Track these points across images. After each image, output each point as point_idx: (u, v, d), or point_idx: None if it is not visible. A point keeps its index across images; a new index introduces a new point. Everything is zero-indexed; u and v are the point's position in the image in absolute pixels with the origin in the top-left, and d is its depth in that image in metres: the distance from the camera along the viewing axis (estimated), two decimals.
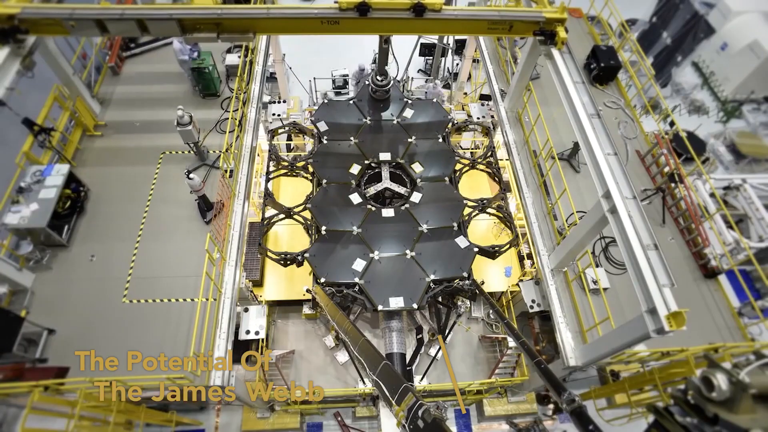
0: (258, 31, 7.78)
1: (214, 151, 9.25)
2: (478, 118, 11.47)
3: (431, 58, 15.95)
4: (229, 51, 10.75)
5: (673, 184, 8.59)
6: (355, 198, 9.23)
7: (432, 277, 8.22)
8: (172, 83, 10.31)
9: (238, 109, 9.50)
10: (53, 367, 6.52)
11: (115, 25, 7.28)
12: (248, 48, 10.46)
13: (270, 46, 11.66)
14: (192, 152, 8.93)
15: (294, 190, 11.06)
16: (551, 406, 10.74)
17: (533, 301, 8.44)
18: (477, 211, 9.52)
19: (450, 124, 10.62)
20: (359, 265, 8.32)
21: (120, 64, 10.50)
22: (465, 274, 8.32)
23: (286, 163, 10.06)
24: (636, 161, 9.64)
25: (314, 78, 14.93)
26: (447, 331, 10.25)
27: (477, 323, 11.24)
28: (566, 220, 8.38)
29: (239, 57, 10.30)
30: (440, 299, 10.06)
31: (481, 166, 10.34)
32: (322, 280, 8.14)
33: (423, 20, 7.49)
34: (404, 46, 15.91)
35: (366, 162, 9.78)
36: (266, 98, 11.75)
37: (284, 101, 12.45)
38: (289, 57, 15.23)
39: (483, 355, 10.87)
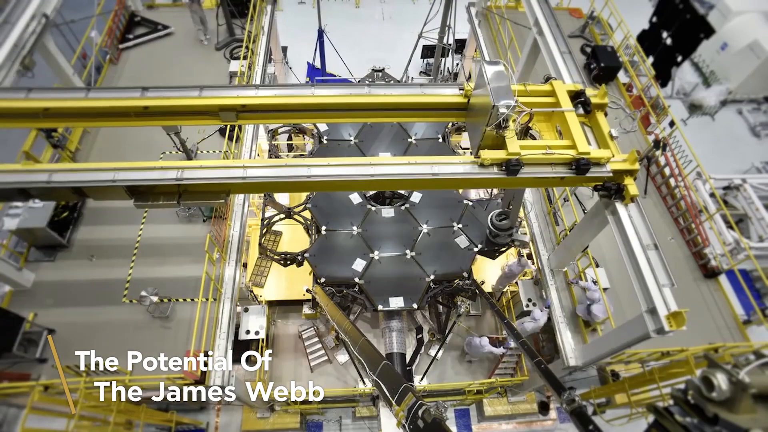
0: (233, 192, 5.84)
1: (215, 151, 9.23)
2: None
3: (433, 59, 15.97)
4: (232, 58, 10.80)
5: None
6: (355, 198, 9.23)
7: (432, 277, 8.22)
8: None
9: None
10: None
11: (42, 193, 5.40)
12: (249, 49, 10.45)
13: (270, 47, 11.65)
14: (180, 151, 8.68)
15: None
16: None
17: (529, 300, 8.46)
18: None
19: (450, 124, 10.62)
20: (359, 265, 8.32)
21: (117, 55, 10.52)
22: (465, 274, 8.32)
23: None
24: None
25: (314, 78, 14.95)
26: (447, 331, 10.25)
27: (476, 319, 11.23)
28: (566, 221, 8.36)
29: (240, 66, 10.27)
30: (440, 299, 10.07)
31: None
32: (322, 280, 8.14)
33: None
34: (406, 46, 15.94)
35: None
36: None
37: None
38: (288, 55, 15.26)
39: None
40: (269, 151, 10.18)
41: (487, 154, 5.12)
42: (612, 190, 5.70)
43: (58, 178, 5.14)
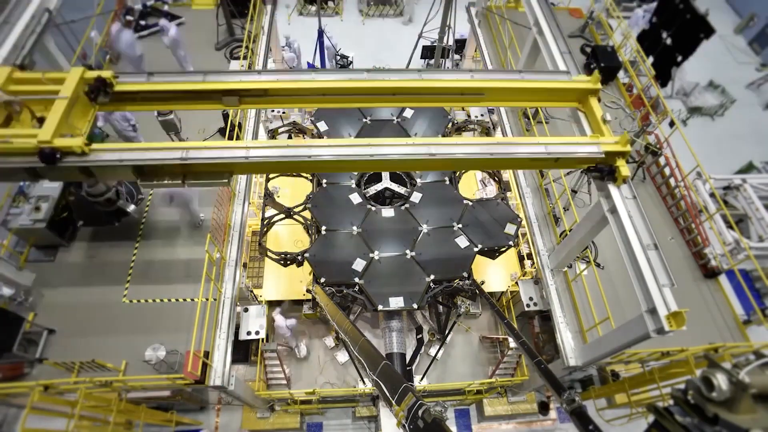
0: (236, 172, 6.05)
1: None
2: (476, 117, 11.46)
3: (432, 60, 15.96)
4: (232, 57, 10.79)
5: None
6: (355, 198, 9.24)
7: (432, 277, 8.22)
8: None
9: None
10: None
11: (50, 172, 5.32)
12: (249, 49, 10.46)
13: (270, 47, 11.65)
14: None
15: (294, 190, 11.06)
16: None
17: (530, 299, 8.47)
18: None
19: (450, 124, 10.62)
20: (359, 265, 8.32)
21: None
22: (465, 274, 8.32)
23: None
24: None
25: None
26: (447, 331, 10.25)
27: (476, 318, 11.22)
28: (566, 220, 8.37)
29: (240, 66, 10.27)
30: (440, 299, 10.07)
31: None
32: (322, 280, 8.14)
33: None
34: (406, 45, 15.92)
35: None
36: None
37: None
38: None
39: (483, 355, 10.87)
40: None
41: None
42: (604, 171, 5.83)
43: (69, 159, 5.10)
